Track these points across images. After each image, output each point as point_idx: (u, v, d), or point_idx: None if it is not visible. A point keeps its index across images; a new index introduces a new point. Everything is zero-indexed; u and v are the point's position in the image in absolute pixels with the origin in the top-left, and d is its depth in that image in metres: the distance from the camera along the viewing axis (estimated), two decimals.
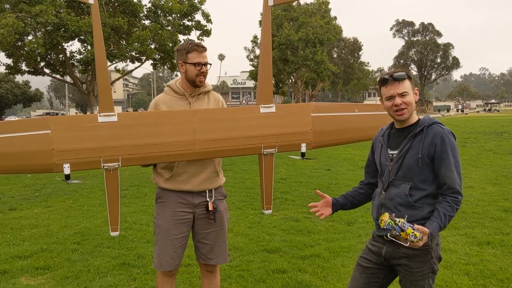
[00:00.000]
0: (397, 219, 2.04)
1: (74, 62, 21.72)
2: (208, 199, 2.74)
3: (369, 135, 2.94)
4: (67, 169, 2.42)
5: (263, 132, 2.72)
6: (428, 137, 2.15)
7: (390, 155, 2.25)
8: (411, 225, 2.01)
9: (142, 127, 2.55)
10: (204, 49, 2.71)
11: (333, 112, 2.96)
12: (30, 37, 18.52)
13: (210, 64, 2.75)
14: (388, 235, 2.05)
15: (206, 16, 22.67)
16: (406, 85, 2.18)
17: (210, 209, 2.72)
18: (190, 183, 2.70)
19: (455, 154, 2.14)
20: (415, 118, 2.24)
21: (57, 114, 71.98)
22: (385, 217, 2.06)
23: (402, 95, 2.17)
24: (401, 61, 75.90)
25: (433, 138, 2.14)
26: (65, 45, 20.50)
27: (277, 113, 2.78)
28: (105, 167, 2.48)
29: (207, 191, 2.75)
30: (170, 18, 21.99)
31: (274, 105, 2.79)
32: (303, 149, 2.83)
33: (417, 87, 2.27)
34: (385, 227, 2.04)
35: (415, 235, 1.98)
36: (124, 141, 2.50)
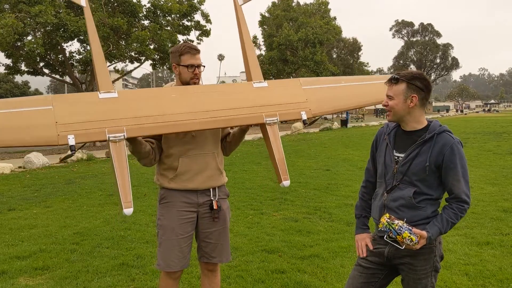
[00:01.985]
0: (396, 221, 2.07)
1: (74, 62, 21.72)
2: (212, 198, 2.75)
3: (361, 102, 3.12)
4: (71, 140, 2.39)
5: (262, 102, 2.77)
6: (438, 145, 2.14)
7: (396, 157, 2.24)
8: (409, 229, 2.06)
9: (143, 101, 2.58)
10: (197, 51, 2.72)
11: (321, 85, 3.07)
12: (29, 38, 18.54)
13: (204, 66, 2.76)
14: (385, 237, 2.14)
15: (206, 16, 22.70)
16: (396, 89, 2.18)
17: (214, 207, 2.72)
18: (195, 181, 2.70)
19: (463, 163, 2.15)
20: (424, 122, 2.22)
21: None
22: (384, 219, 2.12)
23: (388, 97, 2.22)
24: (401, 62, 75.90)
25: (442, 147, 2.13)
26: (65, 45, 20.52)
27: (270, 87, 2.86)
28: (110, 138, 2.45)
29: (211, 189, 2.76)
30: (170, 18, 22.00)
31: (266, 81, 2.88)
32: (304, 117, 2.86)
33: (416, 94, 2.16)
34: (382, 229, 2.12)
35: (411, 239, 2.03)
36: (126, 113, 2.52)
